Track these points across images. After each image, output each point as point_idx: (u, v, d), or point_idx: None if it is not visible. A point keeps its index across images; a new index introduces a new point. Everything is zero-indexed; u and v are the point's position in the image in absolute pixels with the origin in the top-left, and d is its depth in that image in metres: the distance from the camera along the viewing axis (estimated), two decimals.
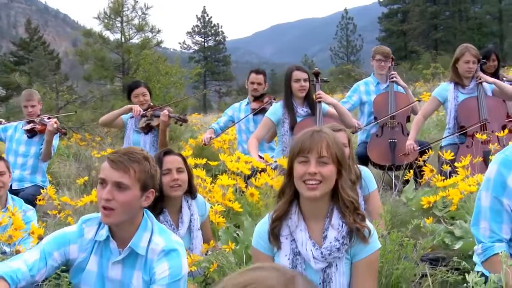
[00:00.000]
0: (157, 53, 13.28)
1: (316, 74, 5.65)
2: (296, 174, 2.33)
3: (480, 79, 5.43)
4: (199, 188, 3.99)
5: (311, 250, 2.34)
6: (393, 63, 6.46)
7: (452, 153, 4.50)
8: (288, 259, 2.37)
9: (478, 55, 5.47)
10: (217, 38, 70.55)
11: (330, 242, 2.33)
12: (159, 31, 13.43)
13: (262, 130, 5.50)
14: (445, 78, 14.60)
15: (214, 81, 66.30)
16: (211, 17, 71.12)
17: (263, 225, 2.47)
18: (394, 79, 6.27)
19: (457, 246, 3.13)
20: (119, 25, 13.37)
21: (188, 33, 71.26)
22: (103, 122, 6.27)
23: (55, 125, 5.70)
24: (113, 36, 13.38)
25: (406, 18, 57.90)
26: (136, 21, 13.50)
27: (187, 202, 3.50)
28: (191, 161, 4.35)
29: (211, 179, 4.40)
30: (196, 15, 69.75)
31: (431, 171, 4.35)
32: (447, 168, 4.43)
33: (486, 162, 4.57)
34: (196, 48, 69.91)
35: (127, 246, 2.44)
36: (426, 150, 5.23)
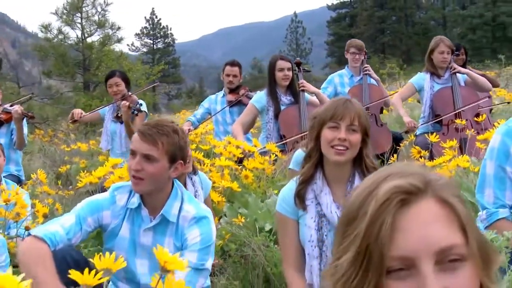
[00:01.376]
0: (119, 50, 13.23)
1: (298, 64, 5.82)
2: (325, 138, 2.46)
3: (455, 69, 5.70)
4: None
5: (336, 212, 2.47)
6: (365, 56, 6.67)
7: (437, 136, 4.73)
8: (314, 221, 2.50)
9: (452, 46, 5.75)
10: (166, 40, 70.05)
11: None
12: (119, 28, 13.36)
13: (247, 116, 5.62)
14: (404, 76, 15.05)
15: (163, 83, 65.84)
16: (160, 19, 70.57)
17: (287, 191, 2.59)
18: (368, 71, 6.48)
19: None
20: (79, 21, 13.23)
21: (136, 34, 70.46)
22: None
23: (19, 110, 5.61)
24: (73, 33, 13.22)
25: (354, 22, 58.99)
26: (96, 18, 13.38)
27: (191, 179, 3.58)
28: None
29: (210, 160, 4.48)
30: (145, 17, 68.92)
31: (419, 152, 4.55)
32: (425, 153, 4.66)
33: (461, 149, 4.82)
34: (144, 50, 69.19)
35: (159, 214, 2.53)
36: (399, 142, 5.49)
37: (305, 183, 2.53)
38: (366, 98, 6.29)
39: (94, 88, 12.96)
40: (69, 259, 2.40)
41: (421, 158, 4.64)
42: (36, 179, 4.92)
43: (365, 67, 6.51)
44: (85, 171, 6.27)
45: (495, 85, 7.37)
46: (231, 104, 6.31)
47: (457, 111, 5.48)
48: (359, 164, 2.51)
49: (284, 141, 5.34)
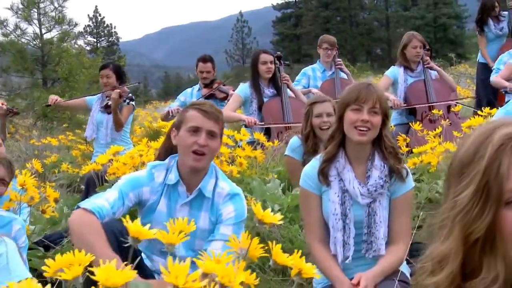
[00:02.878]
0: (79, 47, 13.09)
1: (279, 58, 6.04)
2: (348, 120, 2.65)
3: (429, 63, 6.03)
4: None
5: (358, 188, 2.68)
6: (337, 51, 6.94)
7: (420, 125, 5.03)
8: (338, 196, 2.69)
9: (423, 41, 6.08)
10: (110, 39, 69.04)
11: (375, 180, 2.68)
12: (76, 24, 13.23)
13: (234, 104, 5.80)
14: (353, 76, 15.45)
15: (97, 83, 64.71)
16: (103, 17, 69.50)
17: (311, 168, 2.78)
18: (340, 66, 6.75)
19: None
20: (36, 16, 13.02)
21: (79, 33, 69.12)
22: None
23: (4, 107, 5.61)
24: (31, 28, 12.99)
25: (299, 22, 59.71)
26: (53, 14, 13.18)
27: None
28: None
29: None
30: (88, 15, 67.55)
31: (404, 140, 4.83)
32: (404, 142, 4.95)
33: None
34: (88, 48, 67.89)
35: (196, 189, 2.69)
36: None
37: (328, 161, 2.72)
38: (338, 92, 6.54)
39: (52, 84, 12.80)
40: (116, 231, 2.52)
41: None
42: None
43: (338, 61, 6.77)
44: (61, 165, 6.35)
45: None
46: (205, 96, 6.44)
47: (436, 103, 5.81)
48: (379, 144, 2.72)
49: (266, 125, 5.55)
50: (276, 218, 1.62)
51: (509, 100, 6.06)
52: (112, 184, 3.95)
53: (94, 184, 4.66)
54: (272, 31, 65.31)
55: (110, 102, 5.78)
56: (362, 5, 59.73)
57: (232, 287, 1.39)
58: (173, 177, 2.71)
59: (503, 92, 6.39)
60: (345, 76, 6.81)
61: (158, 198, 2.71)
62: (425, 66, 6.03)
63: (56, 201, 3.56)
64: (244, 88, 5.85)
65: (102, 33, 68.17)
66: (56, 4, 13.20)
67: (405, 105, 5.92)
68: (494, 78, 5.92)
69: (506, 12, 7.56)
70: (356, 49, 55.69)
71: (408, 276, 2.71)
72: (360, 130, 2.63)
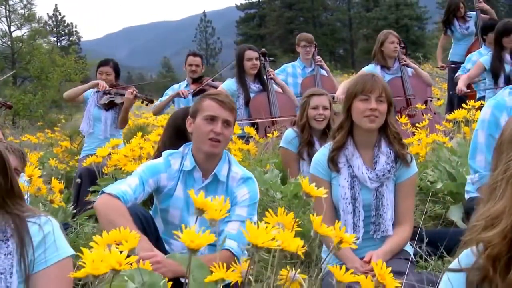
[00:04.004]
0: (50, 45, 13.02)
1: (264, 54, 6.19)
2: (357, 109, 2.82)
3: (405, 61, 6.25)
4: None
5: (366, 173, 2.85)
6: (316, 48, 7.12)
7: (407, 118, 5.24)
8: (347, 181, 2.86)
9: (399, 38, 6.30)
10: (71, 39, 68.04)
11: (382, 165, 2.85)
12: (45, 22, 13.17)
13: None
14: None
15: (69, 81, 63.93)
16: (63, 16, 68.43)
17: (321, 155, 2.95)
18: (320, 63, 6.94)
19: (438, 186, 3.77)
20: (4, 13, 12.90)
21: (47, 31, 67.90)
22: (67, 96, 6.32)
23: None
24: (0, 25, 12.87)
25: (263, 22, 59.96)
26: (22, 11, 13.09)
27: None
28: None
29: None
30: (48, 13, 66.39)
31: None
32: None
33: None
34: (48, 48, 66.82)
35: (212, 174, 2.82)
36: None
37: (338, 150, 2.89)
38: (319, 88, 6.72)
39: (22, 82, 12.71)
40: (140, 215, 2.64)
41: None
42: None
43: (317, 58, 6.95)
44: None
45: None
46: (194, 91, 6.53)
47: (407, 98, 6.04)
48: (384, 131, 2.90)
49: (254, 120, 5.71)
50: (321, 192, 1.76)
51: (480, 97, 6.36)
52: (114, 177, 4.07)
53: (87, 177, 4.74)
54: (235, 31, 65.32)
55: (117, 101, 5.81)
56: (325, 6, 60.27)
57: (290, 249, 1.52)
58: (188, 163, 2.84)
59: (475, 89, 6.68)
60: (325, 73, 6.99)
61: (175, 184, 2.84)
62: (402, 64, 6.25)
63: (61, 192, 3.63)
64: (230, 84, 5.98)
65: (62, 32, 67.13)
66: (25, 1, 13.11)
67: None
68: (460, 75, 6.19)
69: (473, 13, 7.88)
70: (319, 50, 56.29)
71: (412, 254, 2.88)
72: (370, 118, 2.80)
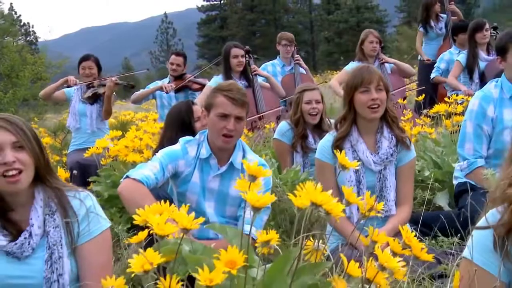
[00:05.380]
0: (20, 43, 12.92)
1: (248, 52, 6.38)
2: (360, 101, 3.04)
3: (383, 59, 6.54)
4: None
5: (370, 157, 3.07)
6: (296, 47, 7.34)
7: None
8: None
9: (379, 37, 6.59)
10: (28, 39, 66.85)
11: (386, 150, 3.08)
12: (14, 20, 13.07)
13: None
14: None
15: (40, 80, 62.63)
16: (20, 15, 67.11)
17: (326, 142, 3.16)
18: (299, 61, 7.17)
19: (426, 174, 4.02)
20: None
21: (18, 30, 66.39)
22: (42, 95, 6.37)
23: None
24: None
25: (225, 24, 60.08)
26: None
27: None
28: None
29: None
30: (2, 13, 64.87)
31: None
32: None
33: None
34: (18, 46, 65.31)
35: (228, 162, 3.00)
36: None
37: (343, 138, 3.11)
38: (298, 85, 6.95)
39: None
40: (162, 197, 2.79)
41: None
42: None
43: (296, 57, 7.18)
44: None
45: None
46: (176, 87, 6.67)
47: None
48: (385, 117, 3.13)
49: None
50: (355, 164, 1.97)
51: (451, 95, 6.68)
52: (112, 167, 4.20)
53: (78, 170, 4.85)
54: (196, 33, 65.17)
55: (99, 91, 5.90)
56: (287, 8, 60.76)
57: (334, 213, 1.71)
58: (204, 151, 3.01)
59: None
60: (303, 71, 7.22)
61: (192, 170, 3.00)
62: (381, 62, 6.52)
63: (67, 180, 3.74)
64: (217, 80, 6.14)
65: (19, 32, 65.89)
66: None
67: None
68: (451, 80, 6.49)
69: (444, 15, 8.22)
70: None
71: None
72: (373, 108, 3.02)
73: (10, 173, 1.98)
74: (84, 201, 2.14)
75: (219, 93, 2.99)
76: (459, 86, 6.30)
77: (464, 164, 3.53)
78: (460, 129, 3.73)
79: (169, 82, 6.85)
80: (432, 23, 8.06)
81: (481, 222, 1.68)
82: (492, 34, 6.55)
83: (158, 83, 6.99)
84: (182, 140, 3.07)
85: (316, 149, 3.25)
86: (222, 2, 62.61)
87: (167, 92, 6.57)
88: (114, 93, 6.12)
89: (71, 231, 2.09)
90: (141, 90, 6.95)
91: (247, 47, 6.58)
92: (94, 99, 5.97)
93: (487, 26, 6.27)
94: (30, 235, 2.04)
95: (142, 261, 1.61)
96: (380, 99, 3.03)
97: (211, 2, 63.17)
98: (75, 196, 2.14)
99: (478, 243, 1.64)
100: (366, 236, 2.94)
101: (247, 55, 6.37)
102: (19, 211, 2.08)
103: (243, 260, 1.62)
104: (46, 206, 2.08)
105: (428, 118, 5.36)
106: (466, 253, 1.68)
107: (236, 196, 2.99)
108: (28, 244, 2.03)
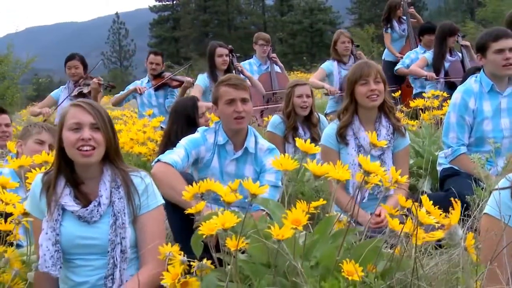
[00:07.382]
0: None
1: (231, 51, 6.71)
2: (360, 93, 3.44)
3: (360, 56, 6.97)
4: None
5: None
6: (271, 47, 7.69)
7: None
8: (355, 150, 3.49)
9: (350, 37, 7.02)
10: None
11: (384, 137, 3.47)
12: None
13: (198, 94, 6.34)
14: None
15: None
16: None
17: (331, 129, 3.58)
18: (275, 59, 7.54)
19: (410, 162, 4.41)
20: None
21: None
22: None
23: None
24: None
25: (177, 25, 59.96)
26: None
27: None
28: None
29: None
30: None
31: None
32: None
33: None
34: None
35: (243, 147, 3.33)
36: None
37: (345, 127, 3.49)
38: (275, 84, 7.33)
39: None
40: (189, 179, 3.08)
41: None
42: None
43: (273, 55, 7.55)
44: None
45: None
46: (154, 87, 6.94)
47: None
48: (382, 107, 3.53)
49: None
50: (384, 142, 2.31)
51: (417, 92, 7.15)
52: None
53: None
54: (147, 33, 64.72)
55: (84, 90, 6.11)
56: (240, 9, 61.17)
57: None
58: (221, 138, 3.33)
59: (412, 85, 7.48)
60: (279, 69, 7.58)
61: (211, 156, 3.33)
62: (357, 59, 6.93)
63: None
64: (203, 79, 6.45)
65: None
66: None
67: (340, 92, 6.79)
68: (413, 67, 6.95)
69: (404, 17, 8.69)
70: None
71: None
72: (372, 98, 3.42)
73: (85, 148, 2.33)
74: (144, 179, 2.49)
75: (221, 85, 3.34)
76: (422, 73, 6.77)
77: (448, 152, 3.95)
78: (437, 122, 4.14)
79: (148, 81, 7.10)
80: (395, 24, 8.51)
81: (502, 183, 2.02)
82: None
83: (137, 83, 7.21)
84: (200, 129, 3.40)
85: (306, 140, 3.61)
86: (174, 2, 62.49)
87: (141, 94, 6.83)
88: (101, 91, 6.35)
89: (132, 202, 2.43)
90: (120, 93, 7.21)
91: (230, 46, 6.90)
92: (81, 97, 6.16)
93: (459, 32, 6.85)
94: (99, 203, 2.39)
95: (211, 226, 2.03)
96: (378, 90, 3.43)
97: (164, 3, 62.95)
98: (136, 175, 2.48)
99: (500, 202, 1.99)
100: (370, 214, 3.34)
101: (230, 54, 6.68)
102: (89, 184, 2.43)
103: (306, 219, 1.96)
104: (112, 181, 2.43)
105: (402, 113, 5.78)
106: (488, 209, 2.04)
107: (251, 178, 3.30)
108: (97, 211, 2.39)
